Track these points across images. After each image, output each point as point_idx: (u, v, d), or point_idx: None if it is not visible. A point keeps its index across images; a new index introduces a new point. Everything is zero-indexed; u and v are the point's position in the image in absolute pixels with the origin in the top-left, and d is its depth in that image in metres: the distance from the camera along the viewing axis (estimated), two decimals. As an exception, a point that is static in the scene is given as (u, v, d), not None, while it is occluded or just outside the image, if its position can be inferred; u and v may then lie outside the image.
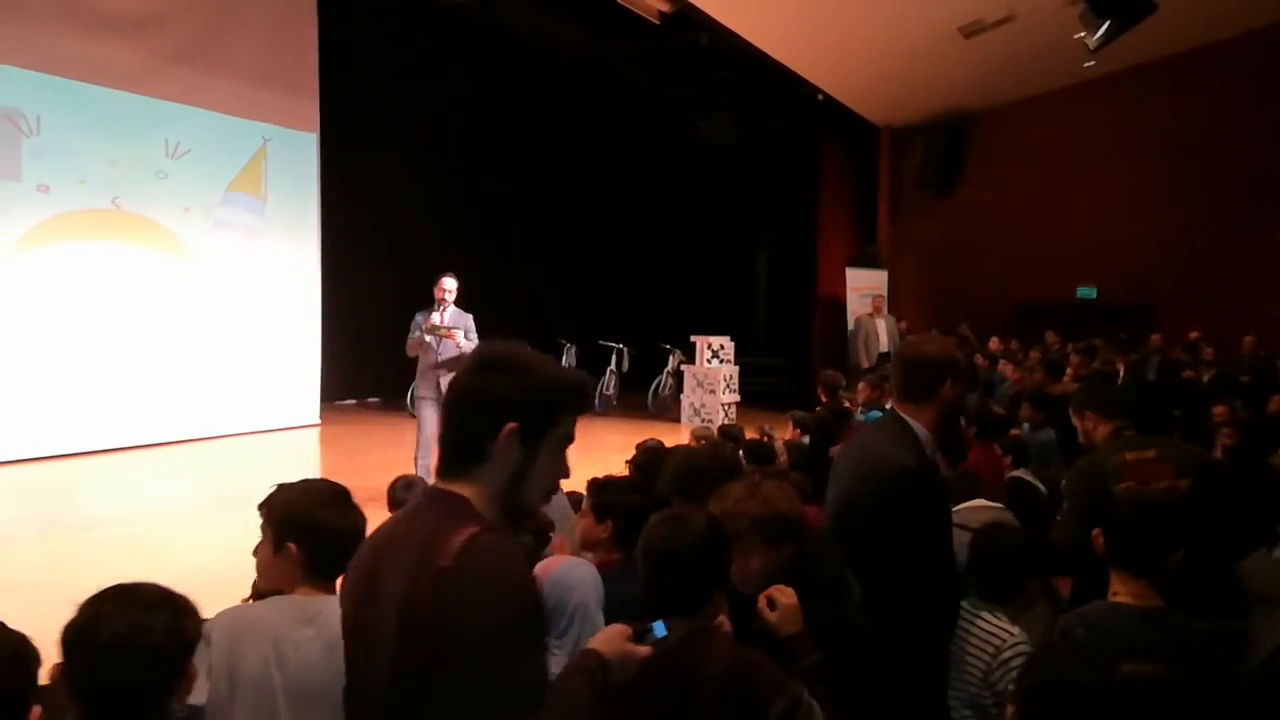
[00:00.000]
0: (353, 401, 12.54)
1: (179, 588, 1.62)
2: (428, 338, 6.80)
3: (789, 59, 11.10)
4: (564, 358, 13.15)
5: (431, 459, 6.16)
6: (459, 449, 1.46)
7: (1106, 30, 9.19)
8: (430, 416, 6.79)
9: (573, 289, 14.61)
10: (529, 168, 14.17)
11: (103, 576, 1.65)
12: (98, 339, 8.83)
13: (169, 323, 9.44)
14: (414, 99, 12.66)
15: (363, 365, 12.26)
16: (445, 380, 6.57)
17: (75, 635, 1.51)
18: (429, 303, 6.94)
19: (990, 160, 13.99)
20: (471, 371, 1.47)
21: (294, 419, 10.62)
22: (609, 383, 12.97)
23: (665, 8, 10.09)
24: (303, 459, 9.56)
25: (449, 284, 6.90)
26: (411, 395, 11.72)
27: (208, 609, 1.76)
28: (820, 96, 12.55)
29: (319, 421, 10.88)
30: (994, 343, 11.16)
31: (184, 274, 9.63)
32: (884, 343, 12.06)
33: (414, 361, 7.03)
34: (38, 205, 8.37)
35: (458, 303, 6.96)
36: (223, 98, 9.81)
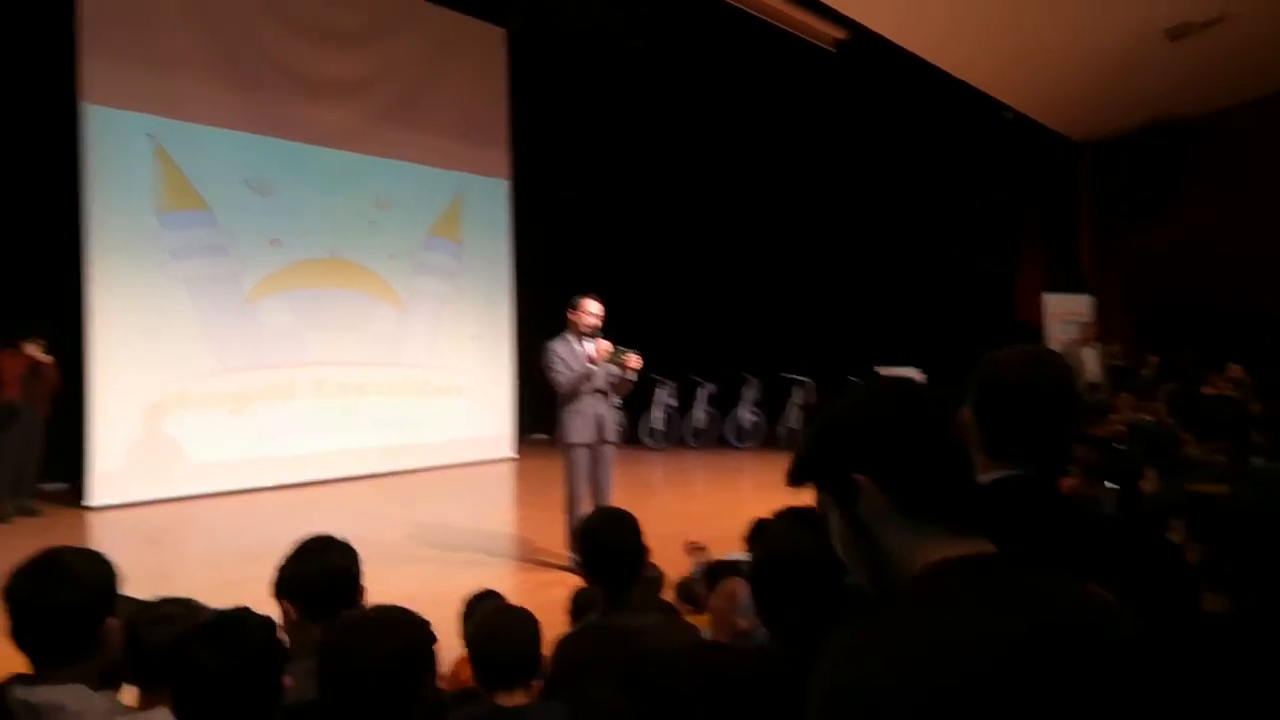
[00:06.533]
0: (544, 437, 13.00)
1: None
2: (612, 367, 6.18)
3: (973, 76, 10.70)
4: (746, 392, 13.15)
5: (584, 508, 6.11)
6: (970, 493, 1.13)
7: (1340, 22, 8.31)
8: (585, 462, 6.17)
9: (755, 323, 14.58)
10: (706, 204, 14.33)
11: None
12: (319, 375, 9.67)
13: (380, 359, 10.21)
14: (597, 141, 13.13)
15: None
16: (610, 418, 6.26)
17: None
18: (556, 329, 6.39)
19: (1207, 171, 12.84)
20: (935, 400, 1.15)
21: (490, 453, 11.18)
22: (792, 416, 12.83)
23: (841, 35, 10.00)
24: (499, 492, 10.04)
25: (599, 309, 6.19)
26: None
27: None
28: (1009, 114, 12.01)
29: (515, 456, 11.39)
30: (1236, 370, 10.06)
31: (392, 315, 10.40)
32: (1091, 372, 11.17)
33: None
34: (271, 257, 9.33)
35: None
36: (423, 151, 10.61)
